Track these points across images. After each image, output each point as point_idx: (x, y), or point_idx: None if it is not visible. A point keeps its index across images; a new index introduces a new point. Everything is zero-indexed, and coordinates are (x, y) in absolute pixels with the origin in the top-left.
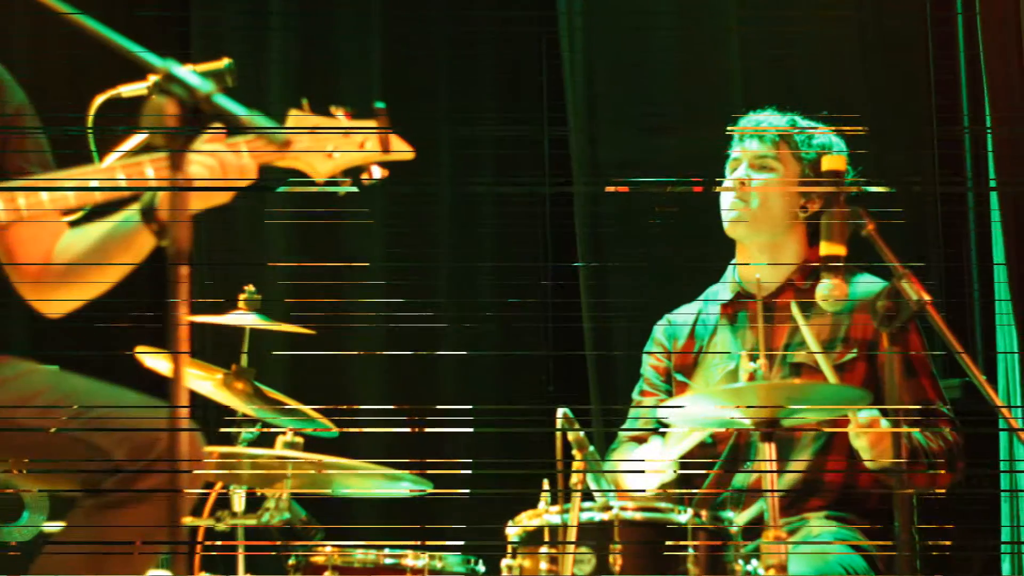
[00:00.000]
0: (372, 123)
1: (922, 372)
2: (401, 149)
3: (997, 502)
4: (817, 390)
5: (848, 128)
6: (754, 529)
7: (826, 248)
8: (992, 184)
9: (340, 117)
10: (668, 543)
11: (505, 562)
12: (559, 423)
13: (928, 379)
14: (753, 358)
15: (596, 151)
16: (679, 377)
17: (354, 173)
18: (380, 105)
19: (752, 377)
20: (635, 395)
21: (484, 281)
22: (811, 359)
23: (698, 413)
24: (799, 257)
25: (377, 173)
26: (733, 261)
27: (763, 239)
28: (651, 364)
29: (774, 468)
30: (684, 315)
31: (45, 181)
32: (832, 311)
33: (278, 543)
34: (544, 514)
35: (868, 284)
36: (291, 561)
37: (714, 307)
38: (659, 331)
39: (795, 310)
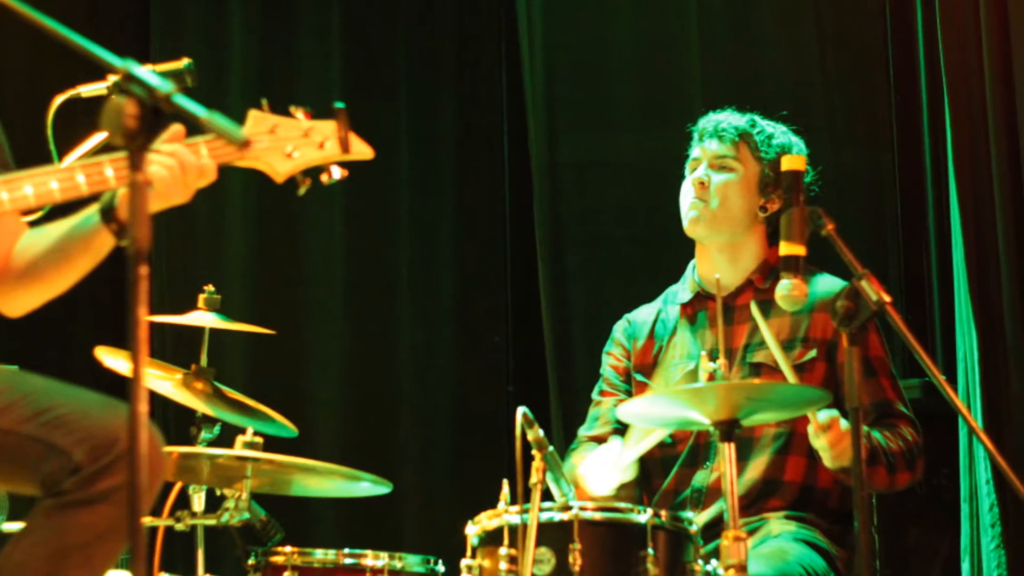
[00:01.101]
0: (332, 123)
1: (881, 372)
2: (361, 149)
3: (957, 502)
4: (777, 390)
5: (806, 128)
6: (714, 529)
7: (785, 248)
8: (952, 185)
9: (300, 117)
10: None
11: (465, 562)
12: (519, 423)
13: (887, 379)
14: (713, 358)
15: (556, 151)
16: (639, 377)
17: (314, 173)
18: (340, 105)
19: (712, 377)
20: (595, 395)
21: (444, 281)
22: (771, 359)
23: (657, 413)
24: (758, 257)
25: (337, 173)
26: (692, 261)
27: (723, 239)
28: (611, 364)
29: (734, 467)
30: (644, 315)
31: (4, 181)
32: (792, 311)
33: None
34: (504, 514)
35: (828, 284)
36: (250, 561)
37: (674, 307)
38: (619, 331)
39: (755, 310)
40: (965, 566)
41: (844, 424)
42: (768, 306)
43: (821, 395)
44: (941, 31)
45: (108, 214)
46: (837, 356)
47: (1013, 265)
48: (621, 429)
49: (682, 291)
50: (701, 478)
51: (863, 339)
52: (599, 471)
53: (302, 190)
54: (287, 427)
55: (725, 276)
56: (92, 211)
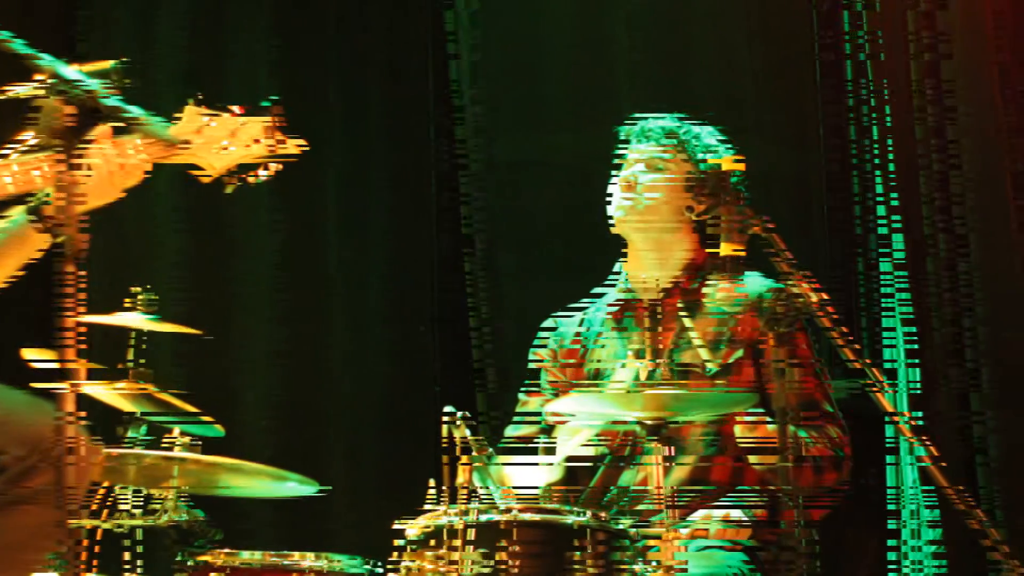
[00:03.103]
0: (262, 121)
1: (808, 372)
2: (290, 147)
3: (884, 503)
4: (703, 391)
5: (735, 128)
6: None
7: (715, 248)
8: (879, 182)
9: (230, 115)
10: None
11: (396, 562)
12: (446, 423)
13: (814, 379)
14: (640, 358)
15: (488, 151)
16: (566, 377)
17: (246, 169)
18: (270, 103)
19: (639, 377)
20: (522, 395)
21: (373, 281)
22: (698, 359)
23: (585, 413)
24: (686, 257)
25: (266, 171)
26: (621, 261)
27: (651, 239)
28: (538, 364)
29: (661, 467)
30: (571, 315)
31: None
32: (719, 311)
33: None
34: (435, 514)
35: (755, 283)
36: (182, 561)
37: (601, 307)
38: (547, 331)
39: (682, 311)
40: (893, 567)
41: (771, 424)
42: (695, 306)
43: (748, 396)
44: (867, 27)
45: (37, 213)
46: (764, 356)
47: (942, 264)
48: (548, 429)
49: (610, 291)
50: (628, 478)
51: (791, 340)
52: (526, 470)
53: (230, 188)
54: (214, 427)
55: (652, 277)
56: (21, 211)
